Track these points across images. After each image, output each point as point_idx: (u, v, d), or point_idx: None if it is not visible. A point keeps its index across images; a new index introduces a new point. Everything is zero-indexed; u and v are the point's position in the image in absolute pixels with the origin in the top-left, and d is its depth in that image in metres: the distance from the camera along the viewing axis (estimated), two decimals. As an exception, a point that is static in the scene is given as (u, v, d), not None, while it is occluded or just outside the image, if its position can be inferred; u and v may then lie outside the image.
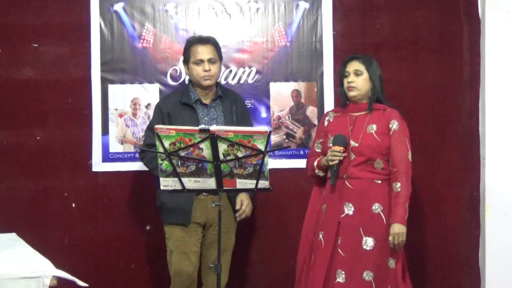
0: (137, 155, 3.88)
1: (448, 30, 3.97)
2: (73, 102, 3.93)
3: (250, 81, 3.96)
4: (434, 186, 3.95)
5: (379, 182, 3.21)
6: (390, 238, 3.11)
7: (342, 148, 3.19)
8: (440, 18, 3.97)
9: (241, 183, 2.91)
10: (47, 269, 2.47)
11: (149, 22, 3.94)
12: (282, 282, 4.01)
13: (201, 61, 3.39)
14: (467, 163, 3.92)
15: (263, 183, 2.91)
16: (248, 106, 3.92)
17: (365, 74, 3.27)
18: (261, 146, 2.83)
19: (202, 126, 2.85)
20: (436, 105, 3.95)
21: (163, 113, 3.45)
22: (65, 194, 3.93)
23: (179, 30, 3.96)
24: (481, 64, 3.84)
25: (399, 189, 3.14)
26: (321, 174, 3.33)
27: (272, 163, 3.78)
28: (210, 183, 2.92)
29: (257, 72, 3.96)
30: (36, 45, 3.90)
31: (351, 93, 3.28)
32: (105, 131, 3.91)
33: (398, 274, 3.17)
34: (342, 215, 3.19)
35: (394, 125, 3.23)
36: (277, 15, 3.97)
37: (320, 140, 3.40)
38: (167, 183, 2.92)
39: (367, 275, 3.13)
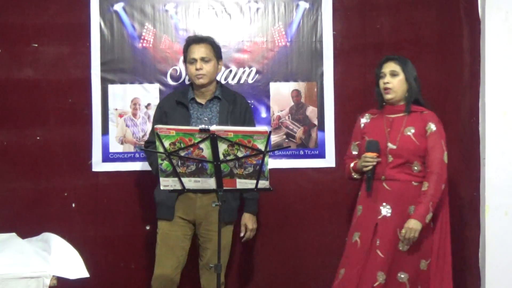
0: (137, 155, 3.90)
1: (448, 30, 3.97)
2: (73, 102, 3.93)
3: (250, 81, 3.96)
4: (434, 186, 3.95)
5: (416, 184, 3.22)
6: (403, 230, 3.12)
7: (375, 154, 3.19)
8: (440, 18, 3.97)
9: (241, 183, 2.91)
10: (47, 269, 2.48)
11: (149, 22, 3.94)
12: (282, 282, 4.01)
13: (195, 60, 3.43)
14: (467, 163, 3.92)
15: (263, 183, 2.91)
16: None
17: (401, 75, 3.28)
18: (261, 146, 2.83)
19: (202, 126, 2.86)
20: (436, 105, 3.94)
21: (161, 112, 3.52)
22: (65, 194, 3.93)
23: (179, 30, 3.96)
24: (481, 64, 3.84)
25: (426, 188, 3.16)
26: (357, 177, 3.35)
27: (272, 163, 3.78)
28: (210, 183, 2.92)
29: (257, 72, 3.96)
30: (36, 45, 3.91)
31: (388, 96, 3.28)
32: (105, 131, 3.91)
33: (430, 276, 3.19)
34: (379, 217, 3.20)
35: (431, 127, 3.24)
36: (277, 15, 3.97)
37: (357, 142, 3.41)
38: (167, 183, 2.92)
39: (401, 276, 3.15)
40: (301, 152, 3.97)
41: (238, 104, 3.52)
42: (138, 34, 3.93)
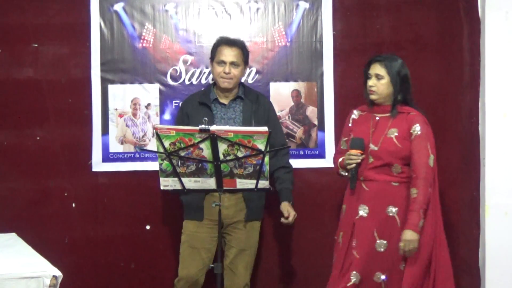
0: (136, 155, 3.90)
1: (448, 30, 3.97)
2: (73, 102, 3.93)
3: (250, 81, 3.96)
4: (434, 186, 3.95)
5: (396, 184, 3.18)
6: (401, 244, 3.07)
7: (359, 151, 3.16)
8: (440, 18, 3.97)
9: (241, 183, 2.92)
10: (47, 269, 2.48)
11: (149, 22, 3.94)
12: (282, 281, 4.01)
13: (224, 62, 3.39)
14: (467, 163, 3.92)
15: (263, 183, 2.91)
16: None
17: (386, 79, 3.20)
18: (261, 146, 2.84)
19: (202, 126, 2.85)
20: (436, 105, 3.95)
21: (183, 113, 3.50)
22: (65, 194, 3.93)
23: (179, 30, 3.96)
24: (481, 64, 3.84)
25: (415, 195, 3.10)
26: (344, 173, 3.31)
27: (272, 163, 3.78)
28: (210, 183, 2.92)
29: (257, 72, 3.96)
30: (36, 45, 3.91)
31: (372, 96, 3.24)
32: (105, 131, 3.91)
33: (413, 277, 3.14)
34: (357, 217, 3.19)
35: (416, 129, 3.16)
36: (277, 15, 3.97)
37: (345, 139, 3.38)
38: (167, 183, 2.92)
39: (377, 277, 3.13)
40: (301, 152, 3.97)
41: (261, 103, 3.50)
42: (138, 34, 3.93)
